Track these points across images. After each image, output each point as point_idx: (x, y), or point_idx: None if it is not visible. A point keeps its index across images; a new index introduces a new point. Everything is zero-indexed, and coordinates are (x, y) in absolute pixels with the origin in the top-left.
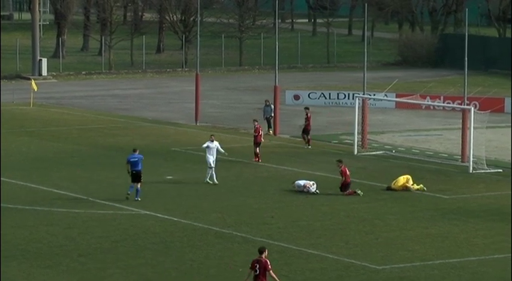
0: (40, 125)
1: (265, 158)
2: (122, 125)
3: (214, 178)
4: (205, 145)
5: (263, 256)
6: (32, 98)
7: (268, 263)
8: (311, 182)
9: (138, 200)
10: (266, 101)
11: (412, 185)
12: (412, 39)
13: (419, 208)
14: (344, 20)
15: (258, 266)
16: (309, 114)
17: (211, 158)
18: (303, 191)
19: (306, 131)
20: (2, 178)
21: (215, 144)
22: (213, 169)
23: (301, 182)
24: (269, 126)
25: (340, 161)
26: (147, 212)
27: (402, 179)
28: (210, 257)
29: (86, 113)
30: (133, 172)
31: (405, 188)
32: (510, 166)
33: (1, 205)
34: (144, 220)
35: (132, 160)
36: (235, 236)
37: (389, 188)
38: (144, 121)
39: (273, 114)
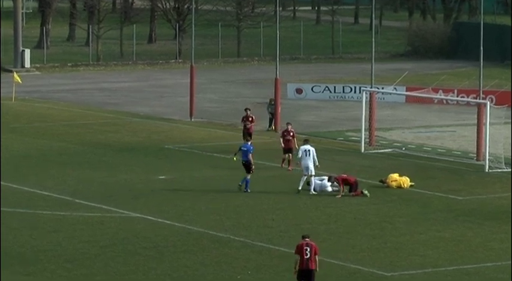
0: (24, 121)
1: (266, 156)
2: (111, 121)
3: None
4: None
5: (308, 240)
6: (14, 92)
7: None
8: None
9: (247, 191)
10: (271, 99)
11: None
12: (423, 29)
13: (431, 210)
14: (350, 7)
15: (308, 249)
16: (249, 116)
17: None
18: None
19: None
20: None
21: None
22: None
23: (318, 182)
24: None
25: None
26: (138, 215)
27: (400, 180)
28: (205, 264)
29: (72, 108)
30: (243, 162)
31: (399, 187)
32: None
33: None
34: (135, 223)
35: (243, 148)
36: (233, 241)
37: (382, 181)
38: (135, 117)
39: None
